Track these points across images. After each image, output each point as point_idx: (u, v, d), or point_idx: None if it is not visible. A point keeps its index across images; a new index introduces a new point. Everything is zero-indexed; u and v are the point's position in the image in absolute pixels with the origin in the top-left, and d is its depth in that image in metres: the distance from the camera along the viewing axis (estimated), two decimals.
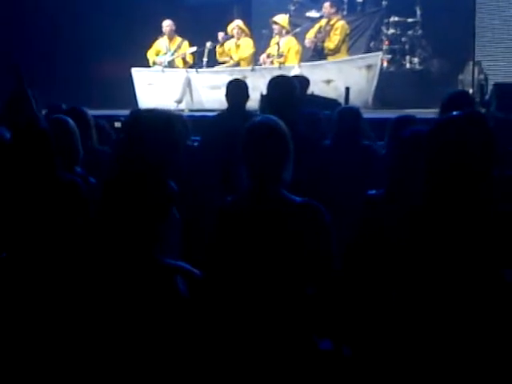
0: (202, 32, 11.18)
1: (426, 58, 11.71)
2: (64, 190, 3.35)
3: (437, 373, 2.40)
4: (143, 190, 2.40)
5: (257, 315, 2.76)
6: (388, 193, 3.19)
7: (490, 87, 8.63)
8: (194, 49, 10.99)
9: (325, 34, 10.65)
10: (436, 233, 2.43)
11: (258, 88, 7.29)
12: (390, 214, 2.77)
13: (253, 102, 5.70)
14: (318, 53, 10.72)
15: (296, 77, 6.97)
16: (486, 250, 2.39)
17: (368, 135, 5.29)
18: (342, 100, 7.53)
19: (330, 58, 10.60)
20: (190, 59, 11.09)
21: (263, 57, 10.77)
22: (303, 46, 10.75)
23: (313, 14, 11.81)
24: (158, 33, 11.16)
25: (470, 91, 8.57)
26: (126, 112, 6.55)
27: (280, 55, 10.51)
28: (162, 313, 2.35)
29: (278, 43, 10.61)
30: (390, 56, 11.65)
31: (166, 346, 2.35)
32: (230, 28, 10.98)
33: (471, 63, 9.88)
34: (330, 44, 10.61)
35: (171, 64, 11.12)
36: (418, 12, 11.66)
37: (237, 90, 5.40)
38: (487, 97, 7.72)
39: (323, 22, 10.81)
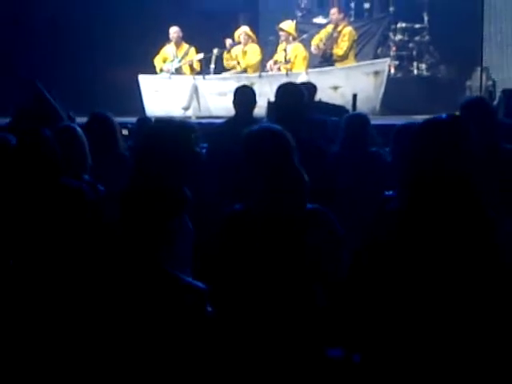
0: (209, 39, 11.16)
1: (433, 64, 11.69)
2: (70, 196, 3.36)
3: (445, 378, 2.40)
4: (162, 201, 2.47)
5: (267, 324, 2.76)
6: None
7: (498, 93, 8.61)
8: (201, 55, 10.98)
9: (332, 40, 10.64)
10: (418, 235, 2.45)
11: (265, 94, 7.30)
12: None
13: (260, 109, 5.69)
14: (326, 59, 10.71)
15: (304, 84, 6.96)
16: (469, 251, 2.40)
17: (375, 141, 5.28)
18: (349, 106, 7.52)
19: (338, 65, 10.59)
20: (197, 66, 11.08)
21: (270, 63, 10.77)
22: (310, 53, 10.75)
23: (320, 20, 11.82)
24: (165, 39, 11.16)
25: None
26: (133, 119, 6.57)
27: (287, 61, 10.50)
28: (167, 322, 2.36)
29: (285, 50, 10.60)
30: (397, 62, 11.65)
31: (172, 351, 2.35)
32: (236, 34, 10.98)
33: (479, 69, 9.86)
34: (339, 50, 10.59)
35: (178, 71, 11.12)
36: (426, 18, 11.66)
37: (244, 97, 5.39)
38: (495, 103, 7.69)
39: (330, 27, 10.81)
